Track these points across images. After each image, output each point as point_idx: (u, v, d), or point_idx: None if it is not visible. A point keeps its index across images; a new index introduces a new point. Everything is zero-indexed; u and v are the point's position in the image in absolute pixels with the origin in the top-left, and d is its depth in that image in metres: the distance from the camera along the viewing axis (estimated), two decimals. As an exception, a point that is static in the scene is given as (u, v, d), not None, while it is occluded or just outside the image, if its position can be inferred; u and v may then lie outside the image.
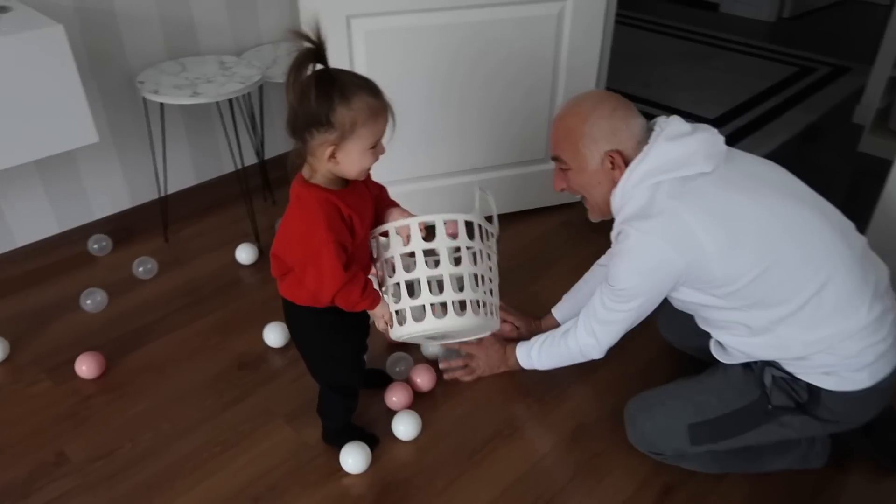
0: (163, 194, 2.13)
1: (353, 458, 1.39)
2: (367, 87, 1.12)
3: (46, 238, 2.03)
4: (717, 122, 2.91)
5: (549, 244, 2.14)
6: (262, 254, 2.05)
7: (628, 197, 1.24)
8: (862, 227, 1.41)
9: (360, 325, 1.36)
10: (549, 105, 2.10)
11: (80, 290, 1.85)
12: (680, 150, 1.21)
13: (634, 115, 1.28)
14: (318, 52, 1.07)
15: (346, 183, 1.19)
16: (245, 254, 2.02)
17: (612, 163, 1.25)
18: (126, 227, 2.14)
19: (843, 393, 1.22)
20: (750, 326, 1.25)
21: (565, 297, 1.74)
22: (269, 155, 2.41)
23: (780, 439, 1.32)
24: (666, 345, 1.71)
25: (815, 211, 1.23)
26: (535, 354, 1.51)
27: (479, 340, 1.58)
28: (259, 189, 2.33)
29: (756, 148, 2.68)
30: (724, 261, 1.18)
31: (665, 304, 1.66)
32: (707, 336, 1.56)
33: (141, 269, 1.95)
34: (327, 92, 1.07)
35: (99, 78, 1.96)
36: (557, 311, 1.73)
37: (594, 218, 1.41)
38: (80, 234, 2.07)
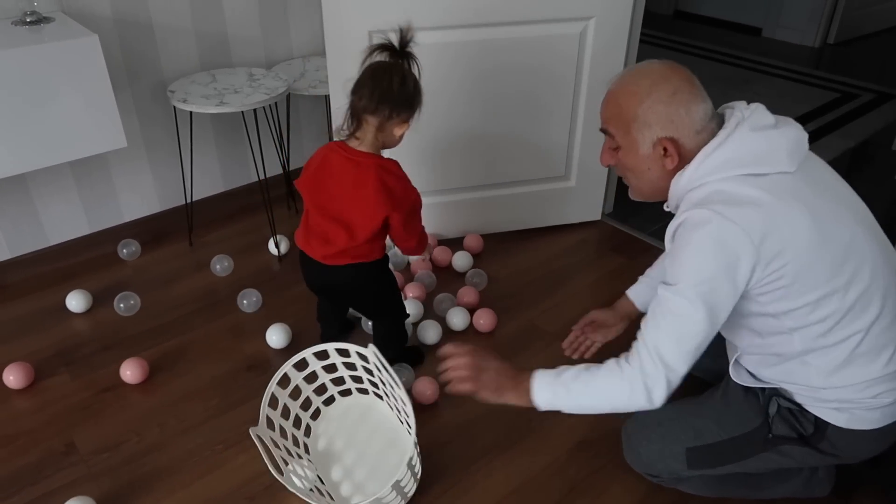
0: (190, 200, 2.20)
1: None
2: None
3: (78, 238, 2.12)
4: (749, 146, 2.86)
5: (566, 261, 2.13)
6: (280, 260, 2.10)
7: (698, 182, 1.11)
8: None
9: None
10: (570, 123, 2.10)
11: (106, 289, 1.92)
12: (764, 143, 1.09)
13: (698, 98, 1.12)
14: (394, 50, 1.40)
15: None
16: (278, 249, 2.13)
17: (664, 150, 1.13)
18: (153, 230, 2.22)
19: (852, 431, 1.17)
20: (782, 354, 1.18)
21: (641, 278, 1.55)
22: (294, 165, 2.47)
23: (779, 468, 1.28)
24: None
25: (880, 244, 1.15)
26: (564, 390, 1.15)
27: (490, 353, 1.27)
28: (283, 198, 2.39)
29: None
30: (803, 268, 1.07)
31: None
32: (709, 354, 1.52)
33: (218, 266, 2.03)
34: (419, 84, 1.41)
35: (134, 86, 2.05)
36: (634, 293, 1.55)
37: (635, 197, 1.26)
38: (109, 236, 2.16)
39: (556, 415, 1.54)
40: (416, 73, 1.42)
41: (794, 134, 1.12)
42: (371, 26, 1.81)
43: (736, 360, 1.29)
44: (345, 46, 1.81)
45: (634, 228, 2.29)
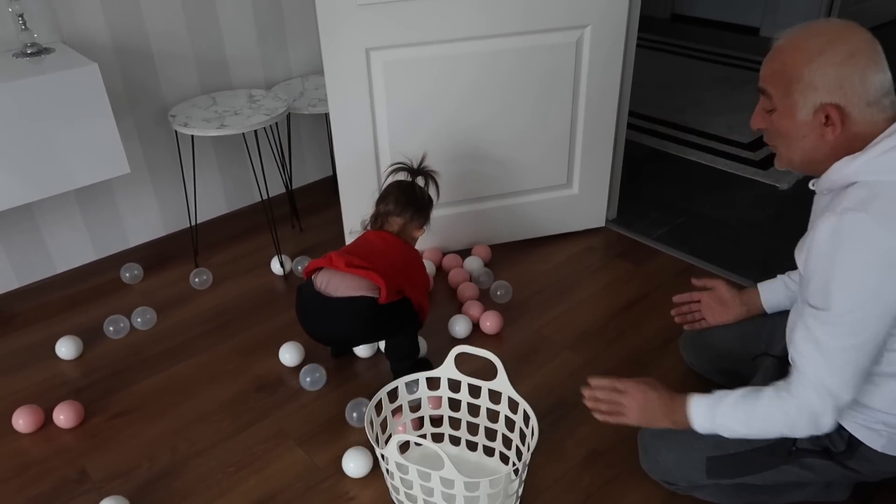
0: (194, 223, 2.22)
1: (355, 463, 1.44)
2: None
3: (84, 264, 2.13)
4: (750, 147, 2.85)
5: (572, 269, 2.13)
6: (286, 278, 2.11)
7: (871, 175, 0.99)
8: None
9: None
10: (570, 131, 2.10)
11: (112, 314, 1.93)
12: None
13: (877, 66, 0.99)
14: (414, 171, 1.72)
15: None
16: (277, 267, 2.14)
17: (826, 118, 1.02)
18: (159, 254, 2.23)
19: (885, 455, 1.14)
20: (878, 365, 1.08)
21: (779, 276, 1.45)
22: (297, 184, 2.48)
23: (798, 481, 1.25)
24: (687, 370, 1.66)
25: None
26: (723, 415, 1.13)
27: (637, 382, 1.26)
28: (287, 217, 2.40)
29: (789, 172, 2.61)
30: None
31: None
32: (729, 358, 1.51)
33: (197, 279, 2.08)
34: (432, 199, 1.75)
35: (136, 112, 2.06)
36: (766, 290, 1.46)
37: (781, 166, 1.14)
38: (115, 261, 2.17)
39: (569, 423, 1.55)
40: (433, 190, 1.73)
41: None
42: (368, 44, 1.82)
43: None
44: (343, 65, 1.82)
45: (639, 234, 2.29)
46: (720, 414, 1.14)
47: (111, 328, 1.88)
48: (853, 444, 1.16)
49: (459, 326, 1.83)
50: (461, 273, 2.06)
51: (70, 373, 1.78)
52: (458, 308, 1.93)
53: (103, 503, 1.35)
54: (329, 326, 1.59)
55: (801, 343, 1.06)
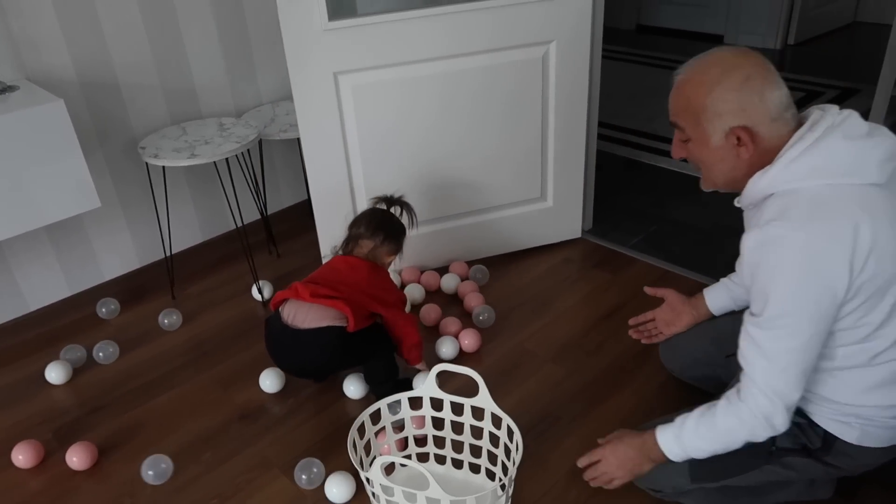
0: (169, 254, 2.20)
1: (338, 489, 1.42)
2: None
3: (58, 301, 2.10)
4: (720, 151, 2.89)
5: (550, 282, 2.14)
6: (265, 305, 2.09)
7: (781, 187, 1.05)
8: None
9: None
10: (541, 145, 2.13)
11: (89, 350, 1.90)
12: (857, 153, 1.03)
13: (773, 85, 1.06)
14: (390, 200, 1.74)
15: None
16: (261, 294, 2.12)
17: (738, 140, 1.08)
18: (135, 288, 2.20)
19: (860, 447, 1.16)
20: (830, 360, 1.12)
21: (722, 280, 1.50)
22: (273, 209, 2.48)
23: (780, 480, 1.26)
24: (669, 376, 1.68)
25: None
26: (688, 438, 1.17)
27: (606, 442, 1.32)
28: (264, 243, 2.39)
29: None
30: (885, 283, 1.02)
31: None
32: (706, 362, 1.52)
33: (166, 321, 2.01)
34: (405, 228, 1.75)
35: (105, 146, 2.05)
36: (710, 295, 1.51)
37: (706, 188, 1.21)
38: (90, 296, 2.14)
39: (555, 435, 1.55)
40: (410, 219, 1.75)
41: (887, 144, 1.05)
42: (336, 67, 1.83)
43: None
44: (311, 90, 1.83)
45: (615, 243, 2.31)
46: (686, 438, 1.17)
47: (101, 354, 1.87)
48: (829, 439, 1.17)
49: (447, 348, 1.81)
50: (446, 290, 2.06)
51: (47, 411, 1.75)
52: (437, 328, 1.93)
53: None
54: (298, 358, 1.58)
55: (745, 348, 1.10)
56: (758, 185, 1.09)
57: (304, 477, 1.46)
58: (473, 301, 1.99)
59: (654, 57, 4.31)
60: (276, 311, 1.61)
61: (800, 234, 1.00)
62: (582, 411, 1.62)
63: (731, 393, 1.13)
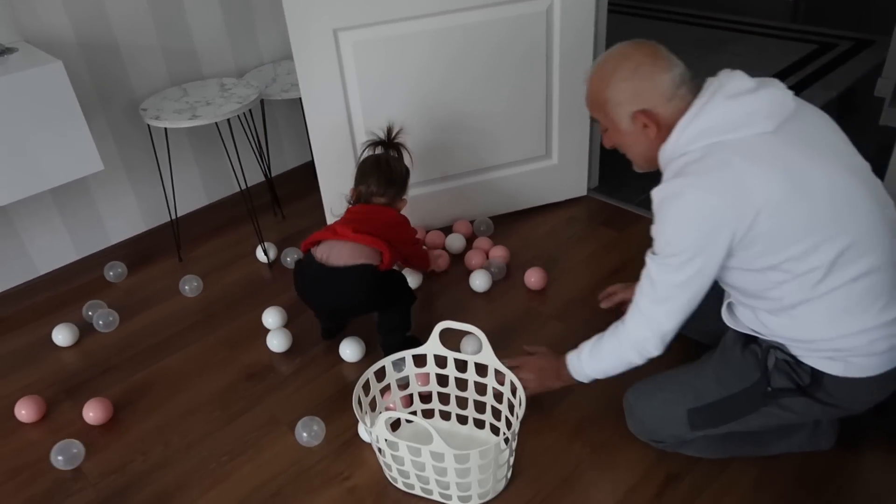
0: (174, 217, 2.20)
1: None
2: None
3: (66, 265, 2.12)
4: (730, 107, 2.84)
5: (556, 240, 2.13)
6: (270, 266, 2.10)
7: (679, 153, 1.17)
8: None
9: None
10: (546, 102, 2.09)
11: (98, 313, 1.92)
12: (739, 109, 1.12)
13: (662, 68, 1.18)
14: (386, 145, 1.76)
15: None
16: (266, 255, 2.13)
17: (643, 123, 1.20)
18: (142, 251, 2.21)
19: (848, 379, 1.17)
20: (772, 308, 1.19)
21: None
22: (276, 171, 2.47)
23: (782, 423, 1.27)
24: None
25: (872, 192, 1.15)
26: (586, 359, 1.33)
27: (528, 357, 1.49)
28: (269, 205, 2.38)
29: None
30: (780, 223, 1.09)
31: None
32: (711, 318, 1.52)
33: (187, 287, 2.02)
34: (408, 168, 1.79)
35: (106, 108, 2.04)
36: None
37: (639, 170, 1.33)
38: (97, 260, 2.16)
39: (556, 392, 1.56)
40: (407, 158, 1.77)
41: (772, 94, 1.14)
42: (336, 24, 1.79)
43: (728, 304, 1.31)
44: (312, 48, 1.80)
45: (622, 200, 2.29)
46: (584, 359, 1.34)
47: (101, 322, 1.89)
48: (816, 375, 1.19)
49: (480, 280, 1.89)
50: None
51: (60, 372, 1.78)
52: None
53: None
54: (332, 296, 1.61)
55: (641, 279, 1.23)
56: (663, 156, 1.21)
57: (304, 435, 1.48)
58: (498, 252, 2.01)
59: (663, 10, 4.21)
60: (308, 252, 1.63)
61: (687, 191, 1.12)
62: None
63: (619, 321, 1.28)
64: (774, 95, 1.14)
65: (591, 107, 1.29)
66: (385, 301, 1.65)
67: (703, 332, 1.57)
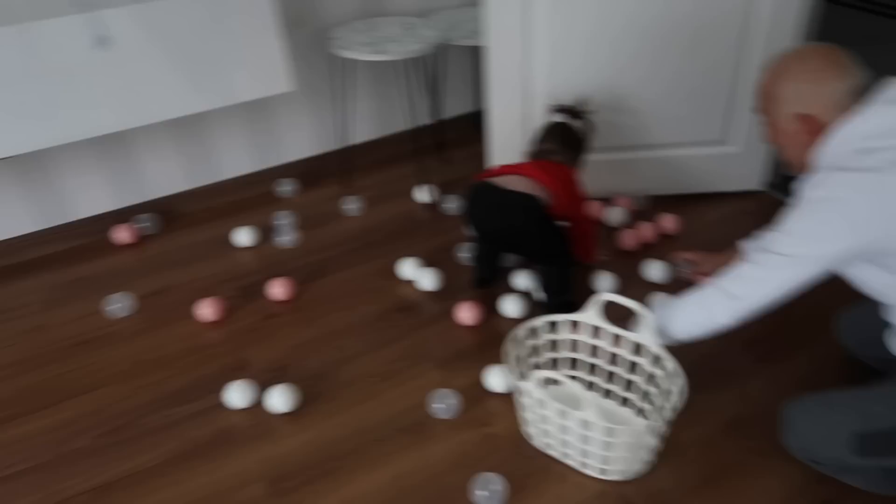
0: (346, 144, 2.29)
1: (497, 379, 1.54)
2: None
3: (243, 175, 2.28)
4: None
5: (722, 233, 1.97)
6: (429, 207, 2.16)
7: (833, 156, 1.17)
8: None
9: None
10: (732, 81, 1.96)
11: (268, 224, 2.06)
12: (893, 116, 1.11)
13: (841, 76, 1.17)
14: (574, 112, 1.80)
15: None
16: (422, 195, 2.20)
17: (801, 126, 1.20)
18: (310, 173, 2.34)
19: None
20: None
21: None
22: (448, 114, 2.49)
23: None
24: (844, 354, 1.56)
25: None
26: (677, 308, 1.35)
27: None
28: (431, 148, 2.43)
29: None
30: None
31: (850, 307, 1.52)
32: (881, 344, 1.41)
33: (350, 212, 2.15)
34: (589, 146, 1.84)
35: (294, 34, 2.12)
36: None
37: (792, 171, 1.32)
38: (270, 175, 2.30)
39: (709, 388, 1.49)
40: (590, 131, 1.80)
41: None
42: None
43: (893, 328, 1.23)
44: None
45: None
46: (676, 308, 1.35)
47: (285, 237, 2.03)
48: None
49: (655, 270, 1.84)
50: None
51: (232, 272, 1.93)
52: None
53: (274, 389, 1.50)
54: (502, 217, 1.61)
55: (768, 240, 1.25)
56: (818, 159, 1.20)
57: (441, 405, 1.49)
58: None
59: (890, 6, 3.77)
60: (482, 180, 1.66)
61: (835, 191, 1.13)
62: (750, 366, 1.57)
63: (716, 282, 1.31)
64: None
65: (757, 100, 1.30)
66: (548, 243, 1.63)
67: (877, 358, 1.47)
